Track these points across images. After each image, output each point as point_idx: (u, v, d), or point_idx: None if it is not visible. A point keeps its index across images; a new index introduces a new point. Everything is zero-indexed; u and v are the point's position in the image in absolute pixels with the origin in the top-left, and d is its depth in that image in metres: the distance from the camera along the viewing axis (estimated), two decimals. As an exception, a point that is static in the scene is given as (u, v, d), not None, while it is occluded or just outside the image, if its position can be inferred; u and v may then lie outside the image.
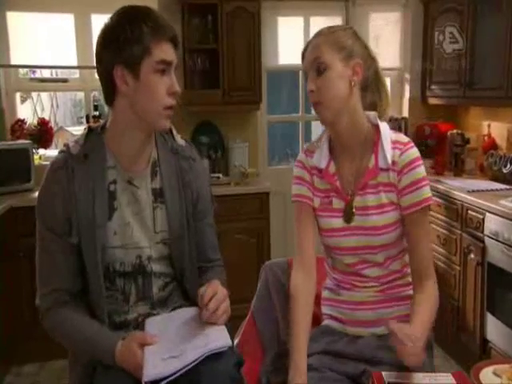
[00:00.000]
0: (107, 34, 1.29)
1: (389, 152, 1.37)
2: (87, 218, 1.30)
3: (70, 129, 5.12)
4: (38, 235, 1.35)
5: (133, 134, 1.34)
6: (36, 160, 3.46)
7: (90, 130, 1.38)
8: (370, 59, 1.43)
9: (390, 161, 1.37)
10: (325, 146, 1.45)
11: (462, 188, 3.09)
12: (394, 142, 1.39)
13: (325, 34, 1.39)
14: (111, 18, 1.30)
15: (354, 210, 1.39)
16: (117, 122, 1.34)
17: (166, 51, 1.29)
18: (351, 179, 1.42)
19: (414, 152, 1.38)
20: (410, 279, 1.45)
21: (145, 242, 1.38)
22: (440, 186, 3.15)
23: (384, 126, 1.41)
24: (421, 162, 1.39)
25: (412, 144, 1.40)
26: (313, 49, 1.39)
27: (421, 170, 1.38)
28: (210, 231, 1.53)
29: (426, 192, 1.37)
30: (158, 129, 1.36)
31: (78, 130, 4.48)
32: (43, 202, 1.33)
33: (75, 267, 1.33)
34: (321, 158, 1.45)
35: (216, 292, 1.28)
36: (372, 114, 1.44)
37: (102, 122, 1.42)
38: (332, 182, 1.43)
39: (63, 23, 3.57)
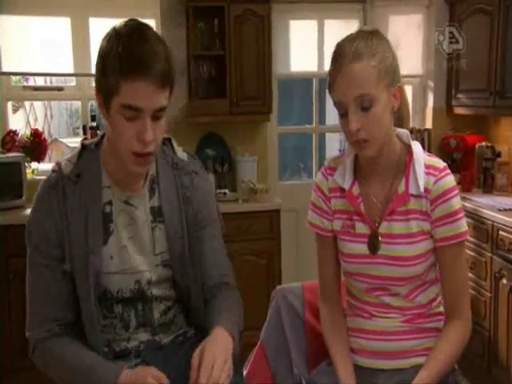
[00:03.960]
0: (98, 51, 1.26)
1: (421, 178, 1.35)
2: (80, 242, 1.30)
3: (65, 140, 5.17)
4: (29, 261, 1.34)
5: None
6: (28, 174, 3.48)
7: (83, 147, 1.37)
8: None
9: (422, 188, 1.35)
10: (349, 164, 1.43)
11: (493, 206, 3.07)
12: (428, 167, 1.37)
13: (366, 55, 1.28)
14: (107, 34, 1.26)
15: (380, 239, 1.38)
16: (110, 145, 1.33)
17: (135, 94, 1.19)
18: (379, 204, 1.40)
19: (450, 180, 1.36)
20: (437, 310, 1.44)
21: (144, 266, 1.37)
22: (467, 204, 3.14)
23: (417, 148, 1.40)
24: (457, 191, 1.37)
25: (448, 170, 1.38)
26: (355, 81, 1.27)
27: (457, 201, 1.36)
28: (212, 240, 1.46)
29: (462, 226, 1.37)
30: (130, 172, 1.32)
31: (74, 142, 4.53)
32: (34, 225, 1.33)
33: (70, 295, 1.33)
34: (344, 177, 1.43)
35: (213, 362, 1.18)
36: (404, 132, 1.42)
37: (97, 137, 1.41)
38: (355, 204, 1.41)
39: (59, 27, 3.63)
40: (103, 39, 1.25)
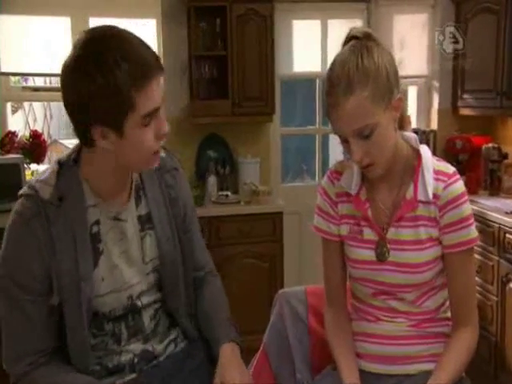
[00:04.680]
0: (73, 82, 1.12)
1: (430, 184, 1.34)
2: (70, 271, 1.22)
3: (64, 142, 5.18)
4: (6, 296, 1.23)
5: (116, 173, 1.27)
6: (28, 176, 3.48)
7: (60, 165, 1.27)
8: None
9: (431, 194, 1.34)
10: (355, 169, 1.42)
11: (499, 209, 3.07)
12: (437, 172, 1.35)
13: (358, 84, 1.22)
14: (74, 58, 1.13)
15: (388, 246, 1.37)
16: (96, 162, 1.25)
17: (152, 97, 1.14)
18: (386, 211, 1.40)
19: (460, 186, 1.35)
20: (444, 315, 1.43)
21: (135, 278, 1.33)
22: (474, 207, 3.12)
23: (426, 152, 1.38)
24: (466, 197, 1.35)
25: (457, 176, 1.36)
26: (350, 118, 1.24)
27: (466, 208, 1.35)
28: (198, 236, 1.50)
29: (473, 232, 1.35)
30: (146, 170, 1.33)
31: (74, 143, 4.54)
32: (13, 260, 1.22)
33: (55, 325, 1.26)
34: (351, 182, 1.42)
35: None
36: (412, 136, 1.41)
37: (71, 151, 1.30)
38: (362, 210, 1.41)
39: (59, 27, 3.63)
40: (70, 66, 1.13)
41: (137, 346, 1.36)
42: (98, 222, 1.28)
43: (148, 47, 1.16)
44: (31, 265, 1.21)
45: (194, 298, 1.47)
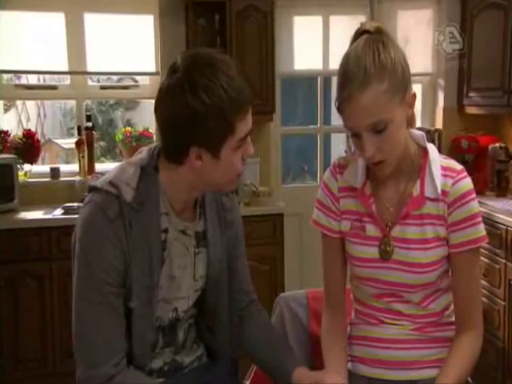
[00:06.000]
0: (179, 101, 1.19)
1: (439, 180, 1.35)
2: (144, 276, 1.27)
3: (58, 141, 5.18)
4: (94, 291, 1.24)
5: (192, 188, 1.33)
6: (21, 177, 3.48)
7: (141, 169, 1.30)
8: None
9: (439, 190, 1.35)
10: (360, 163, 1.42)
11: (507, 210, 3.07)
12: (445, 169, 1.37)
13: (375, 78, 1.23)
14: (179, 79, 1.19)
15: (392, 243, 1.38)
16: (176, 175, 1.29)
17: (248, 122, 1.25)
18: (391, 208, 1.40)
19: (468, 183, 1.36)
20: (449, 320, 1.44)
21: (184, 293, 1.39)
22: (480, 208, 3.10)
23: (433, 150, 1.40)
24: (474, 194, 1.37)
25: (465, 173, 1.38)
26: (365, 112, 1.24)
27: (475, 205, 1.36)
28: (244, 261, 1.55)
29: (481, 230, 1.36)
30: (224, 191, 1.41)
31: (68, 143, 4.53)
32: (96, 250, 1.24)
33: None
34: (356, 176, 1.42)
35: None
36: (420, 134, 1.42)
37: (147, 156, 1.32)
38: (367, 205, 1.41)
39: (52, 23, 3.63)
40: (172, 84, 1.20)
41: (168, 355, 1.41)
42: (166, 231, 1.32)
43: (243, 75, 1.25)
44: (113, 261, 1.24)
45: (238, 321, 1.52)
